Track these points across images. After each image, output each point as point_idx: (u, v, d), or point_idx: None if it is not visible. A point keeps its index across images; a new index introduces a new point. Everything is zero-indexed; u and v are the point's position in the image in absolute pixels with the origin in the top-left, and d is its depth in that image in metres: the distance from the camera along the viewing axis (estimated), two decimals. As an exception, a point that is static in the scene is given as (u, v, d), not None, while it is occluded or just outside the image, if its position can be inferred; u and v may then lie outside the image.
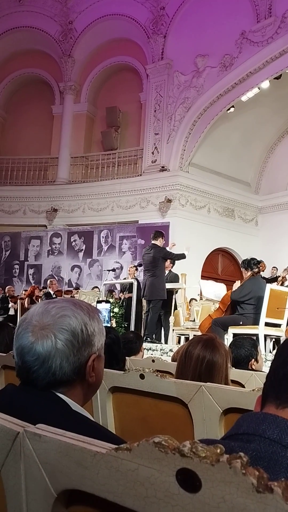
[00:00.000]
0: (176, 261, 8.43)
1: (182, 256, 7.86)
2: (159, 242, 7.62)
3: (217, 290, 6.92)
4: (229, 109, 12.40)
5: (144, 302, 8.13)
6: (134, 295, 8.25)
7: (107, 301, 7.98)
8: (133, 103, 14.54)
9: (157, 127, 13.43)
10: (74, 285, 13.21)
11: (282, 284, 10.17)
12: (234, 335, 5.54)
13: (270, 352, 5.83)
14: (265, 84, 11.79)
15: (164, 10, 13.43)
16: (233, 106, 12.36)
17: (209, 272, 13.15)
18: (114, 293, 10.44)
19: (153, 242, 7.66)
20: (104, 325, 1.19)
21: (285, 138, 14.16)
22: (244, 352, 3.02)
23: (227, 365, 1.93)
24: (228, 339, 5.54)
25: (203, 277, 11.78)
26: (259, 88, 11.89)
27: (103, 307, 7.35)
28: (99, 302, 7.73)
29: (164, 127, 13.26)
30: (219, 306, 6.22)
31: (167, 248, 7.95)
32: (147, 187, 13.24)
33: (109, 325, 7.45)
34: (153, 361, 2.88)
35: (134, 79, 14.62)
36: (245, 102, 12.21)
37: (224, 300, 6.12)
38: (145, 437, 0.51)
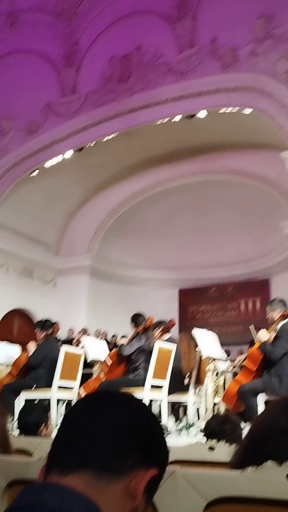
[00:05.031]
0: None
1: None
2: None
3: (9, 353, 6.66)
4: (32, 173, 12.61)
5: None
6: None
7: None
8: None
9: None
10: None
11: (77, 346, 10.32)
12: (26, 400, 5.38)
13: (62, 416, 5.79)
14: (68, 154, 12.41)
15: (-29, 67, 13.31)
16: (37, 169, 12.62)
17: (3, 333, 12.61)
18: None
19: None
20: None
21: (84, 206, 14.91)
22: (34, 418, 2.98)
23: (7, 432, 1.85)
24: (20, 403, 5.35)
25: (-3, 339, 11.25)
26: (63, 156, 12.44)
27: None
28: None
29: None
30: (11, 370, 5.99)
31: None
32: None
33: None
34: None
35: None
36: (49, 168, 12.60)
37: (16, 363, 5.93)
38: None
